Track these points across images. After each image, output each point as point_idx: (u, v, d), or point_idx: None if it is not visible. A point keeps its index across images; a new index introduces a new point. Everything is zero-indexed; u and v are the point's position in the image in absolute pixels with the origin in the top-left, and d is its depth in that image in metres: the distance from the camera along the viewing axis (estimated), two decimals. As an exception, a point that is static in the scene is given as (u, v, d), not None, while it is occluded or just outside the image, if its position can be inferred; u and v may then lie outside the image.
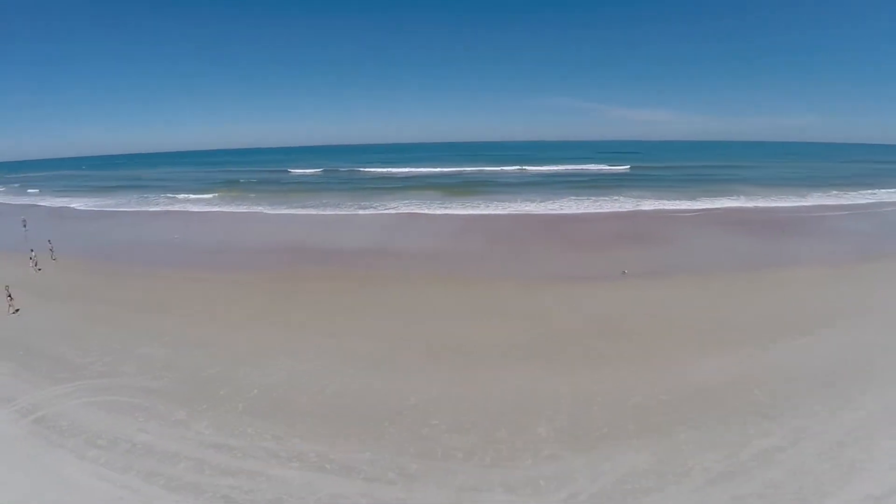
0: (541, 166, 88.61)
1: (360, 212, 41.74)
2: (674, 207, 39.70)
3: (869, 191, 51.68)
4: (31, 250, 24.90)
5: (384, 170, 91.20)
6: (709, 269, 22.49)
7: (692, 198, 45.23)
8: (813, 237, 28.99)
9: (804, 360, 12.99)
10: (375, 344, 14.61)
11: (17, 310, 18.02)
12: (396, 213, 40.22)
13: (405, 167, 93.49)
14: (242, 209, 45.87)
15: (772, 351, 13.71)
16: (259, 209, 45.11)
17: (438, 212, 40.04)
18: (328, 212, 42.52)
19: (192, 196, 56.51)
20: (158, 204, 51.95)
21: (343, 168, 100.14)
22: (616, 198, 46.22)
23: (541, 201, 44.46)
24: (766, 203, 42.00)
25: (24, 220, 38.18)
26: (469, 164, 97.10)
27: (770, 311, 16.68)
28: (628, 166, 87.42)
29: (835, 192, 50.30)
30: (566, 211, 39.69)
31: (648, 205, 41.74)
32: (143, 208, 48.91)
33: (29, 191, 73.47)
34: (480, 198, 47.75)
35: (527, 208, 40.95)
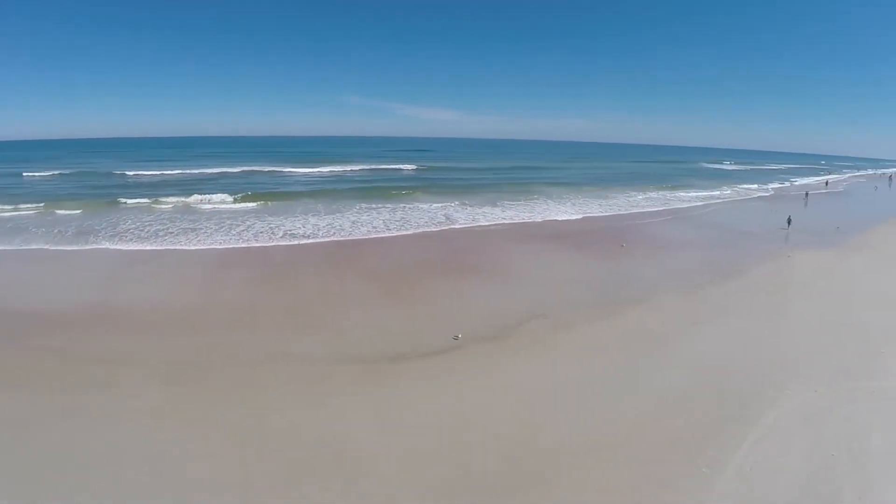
0: (332, 166, 78.18)
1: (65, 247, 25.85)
2: (489, 223, 34.50)
3: (685, 192, 58.84)
4: None
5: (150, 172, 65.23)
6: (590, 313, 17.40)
7: (496, 204, 42.02)
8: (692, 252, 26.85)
9: None
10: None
11: None
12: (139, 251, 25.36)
13: (176, 168, 70.29)
14: None
15: None
16: None
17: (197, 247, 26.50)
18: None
19: None
20: None
21: (93, 169, 70.14)
22: (414, 205, 40.36)
23: (325, 213, 35.91)
24: (581, 212, 40.21)
25: None
26: (258, 163, 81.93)
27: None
28: (415, 166, 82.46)
29: (653, 194, 55.09)
30: (359, 232, 30.61)
31: (458, 215, 36.54)
32: None
33: None
34: (273, 212, 36.62)
35: (306, 229, 30.71)
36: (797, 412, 11.30)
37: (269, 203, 41.75)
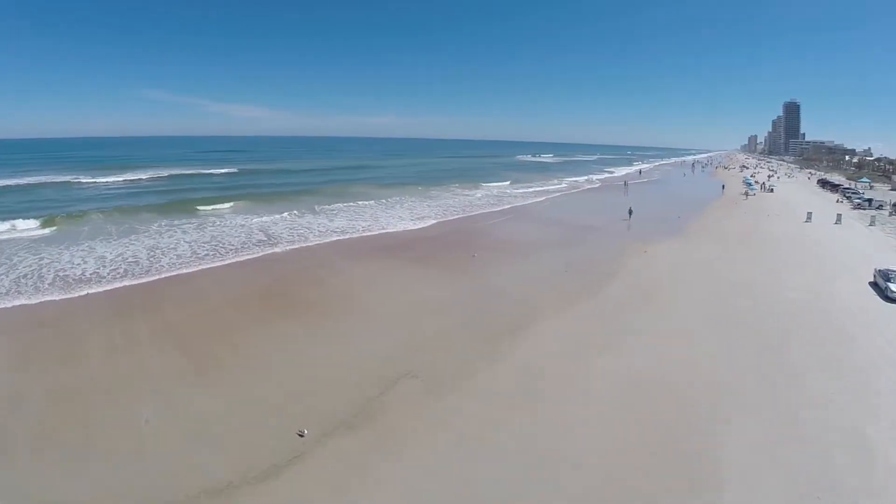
0: (131, 173, 64.08)
1: None
2: (318, 239, 30.33)
3: (521, 187, 62.16)
4: None
5: None
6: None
7: (321, 212, 38.98)
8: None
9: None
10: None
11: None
12: None
13: None
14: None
15: None
16: None
17: None
18: None
19: None
20: None
21: None
22: (227, 219, 35.41)
23: (117, 237, 28.85)
24: (416, 216, 39.30)
25: None
26: (42, 172, 66.33)
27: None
28: (224, 170, 72.68)
29: (483, 191, 54.21)
30: (159, 265, 24.30)
31: (280, 231, 31.72)
32: None
33: None
34: (55, 239, 25.86)
35: (87, 265, 23.81)
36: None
37: (56, 227, 32.75)
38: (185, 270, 23.60)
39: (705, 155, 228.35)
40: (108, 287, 21.17)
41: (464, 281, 21.99)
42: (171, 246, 28.03)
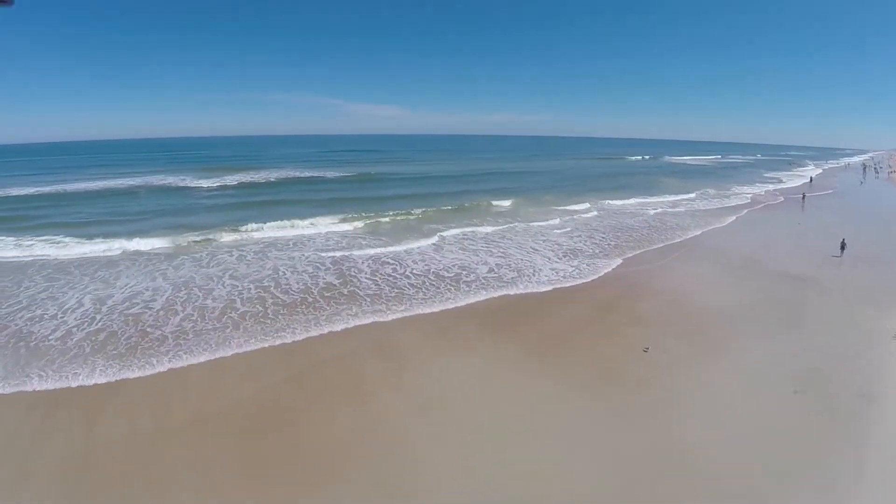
0: (248, 173, 62.08)
1: None
2: (426, 305, 20.16)
3: (680, 199, 44.20)
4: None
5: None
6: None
7: (436, 240, 27.79)
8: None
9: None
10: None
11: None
12: None
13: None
14: None
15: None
16: None
17: None
18: None
19: None
20: None
21: None
22: (301, 244, 24.58)
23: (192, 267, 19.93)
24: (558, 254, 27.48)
25: None
26: (164, 172, 65.88)
27: None
28: (341, 173, 65.89)
29: (641, 205, 40.45)
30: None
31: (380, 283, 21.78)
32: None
33: None
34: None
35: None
36: None
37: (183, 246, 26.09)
38: (196, 342, 14.85)
39: (866, 156, 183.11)
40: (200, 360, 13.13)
41: (625, 421, 11.24)
42: (196, 284, 19.90)
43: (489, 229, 31.57)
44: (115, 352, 15.23)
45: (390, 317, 17.65)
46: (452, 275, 22.42)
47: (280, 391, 13.02)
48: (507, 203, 40.19)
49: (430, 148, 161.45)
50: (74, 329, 16.69)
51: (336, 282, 21.27)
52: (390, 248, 26.42)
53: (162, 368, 14.28)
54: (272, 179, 57.33)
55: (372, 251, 25.89)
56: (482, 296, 19.75)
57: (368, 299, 19.20)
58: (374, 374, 13.88)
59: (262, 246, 26.91)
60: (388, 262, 24.17)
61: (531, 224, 33.29)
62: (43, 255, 24.78)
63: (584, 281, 22.00)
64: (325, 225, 30.32)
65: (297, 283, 21.11)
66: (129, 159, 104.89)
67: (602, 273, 23.10)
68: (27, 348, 15.55)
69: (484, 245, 27.86)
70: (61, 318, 17.52)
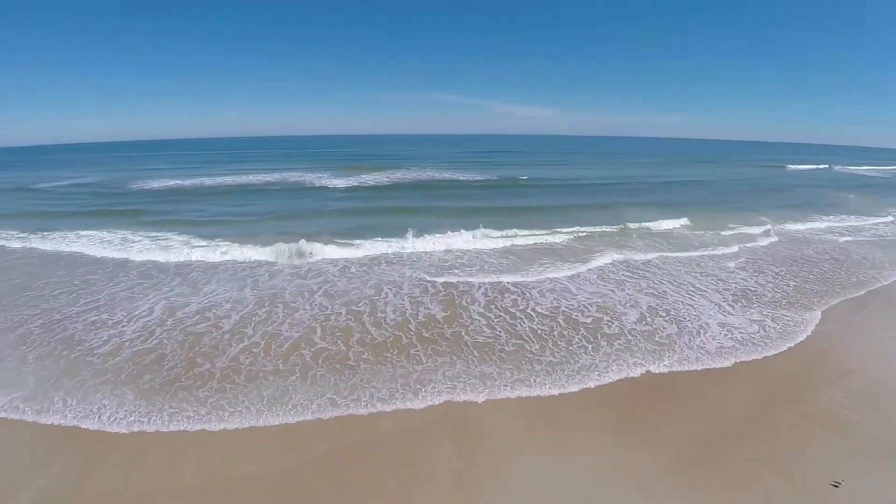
0: (385, 172, 60.77)
1: None
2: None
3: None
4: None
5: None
6: None
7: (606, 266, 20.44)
8: None
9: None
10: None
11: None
12: None
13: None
14: None
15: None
16: None
17: None
18: None
19: None
20: None
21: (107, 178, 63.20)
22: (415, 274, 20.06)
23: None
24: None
25: None
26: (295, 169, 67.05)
27: None
28: (495, 175, 58.63)
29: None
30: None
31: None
32: None
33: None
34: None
35: None
36: None
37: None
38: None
39: None
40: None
41: None
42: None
43: (642, 256, 24.02)
44: (148, 386, 11.86)
45: (492, 391, 11.90)
46: (589, 320, 15.98)
47: (312, 473, 8.25)
48: (663, 222, 31.65)
49: (571, 150, 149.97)
50: (125, 344, 13.90)
51: (441, 315, 16.19)
52: (518, 274, 20.68)
53: (187, 426, 10.29)
54: (407, 180, 54.86)
55: (494, 276, 20.36)
56: (623, 367, 13.04)
57: (475, 353, 13.66)
58: (446, 464, 8.43)
59: (372, 257, 22.97)
60: (511, 293, 18.46)
61: (693, 252, 25.00)
62: (146, 251, 23.44)
63: (767, 353, 14.05)
64: (449, 239, 25.55)
65: (396, 311, 16.43)
66: (278, 155, 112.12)
67: (794, 338, 14.89)
68: (67, 361, 13.05)
69: (633, 277, 20.71)
70: (121, 326, 15.02)
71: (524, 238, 26.48)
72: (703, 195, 46.46)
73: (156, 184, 51.79)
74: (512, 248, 24.85)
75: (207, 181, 53.74)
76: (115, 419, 10.74)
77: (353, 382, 12.06)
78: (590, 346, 14.14)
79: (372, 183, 52.27)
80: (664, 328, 15.56)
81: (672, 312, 16.85)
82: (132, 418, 10.80)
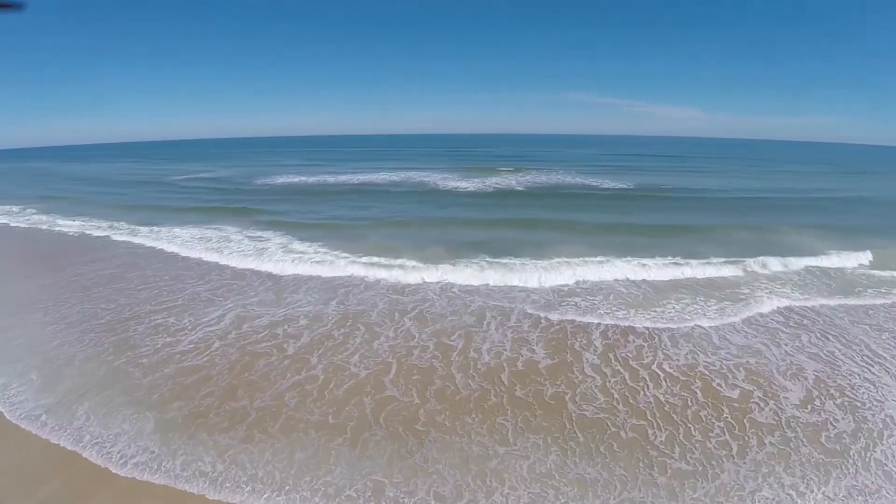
0: (511, 176, 53.11)
1: None
2: None
3: None
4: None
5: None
6: None
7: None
8: None
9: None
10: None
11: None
12: None
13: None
14: None
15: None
16: None
17: None
18: None
19: None
20: None
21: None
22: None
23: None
24: None
25: None
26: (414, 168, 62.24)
27: None
28: (631, 184, 47.71)
29: None
30: None
31: None
32: None
33: None
34: None
35: None
36: None
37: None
38: None
39: None
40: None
41: None
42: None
43: (806, 301, 17.07)
44: (172, 415, 9.85)
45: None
46: (736, 393, 10.85)
47: None
48: (836, 255, 23.01)
49: (716, 154, 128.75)
50: (175, 356, 12.18)
51: (545, 363, 12.18)
52: (647, 313, 15.69)
53: (192, 485, 7.75)
54: (537, 185, 49.95)
55: (619, 313, 15.59)
56: (775, 492, 7.78)
57: (579, 436, 9.43)
58: None
59: (481, 276, 19.36)
60: (637, 337, 13.67)
61: (874, 301, 17.22)
62: (243, 253, 22.40)
63: None
64: (575, 267, 20.99)
65: (492, 351, 12.75)
66: (410, 153, 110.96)
67: None
68: (109, 369, 11.77)
69: (794, 329, 14.41)
70: (182, 334, 13.51)
71: (659, 267, 20.90)
72: (887, 219, 34.81)
73: (280, 180, 53.58)
74: (644, 278, 19.58)
75: (331, 179, 54.09)
76: (123, 456, 8.70)
77: (414, 462, 8.63)
78: (735, 446, 9.14)
79: (500, 186, 48.40)
80: (835, 420, 9.87)
81: (847, 392, 10.94)
82: (140, 458, 8.70)
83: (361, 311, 15.58)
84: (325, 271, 20.14)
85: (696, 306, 16.42)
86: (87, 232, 27.68)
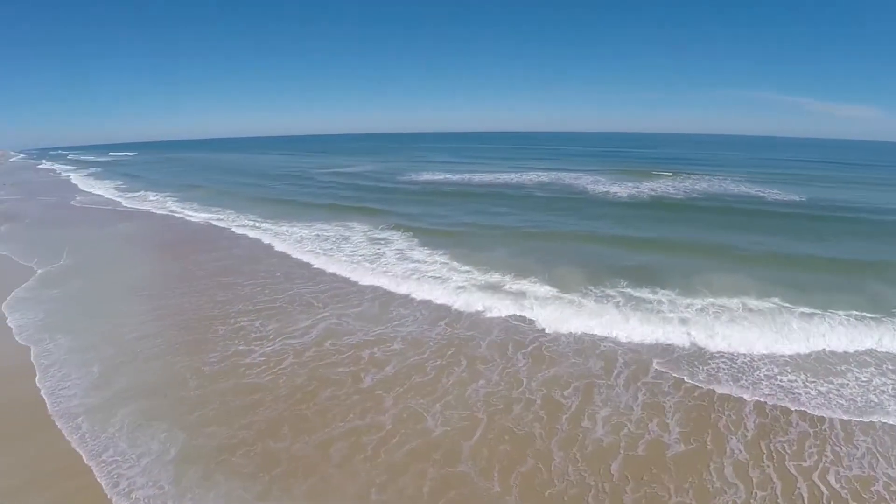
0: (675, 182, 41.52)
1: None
2: None
3: None
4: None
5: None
6: None
7: None
8: None
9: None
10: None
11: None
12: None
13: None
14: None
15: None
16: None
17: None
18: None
19: None
20: None
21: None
22: None
23: None
24: None
25: None
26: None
27: None
28: (803, 196, 37.79)
29: None
30: None
31: None
32: None
33: None
34: None
35: None
36: None
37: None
38: None
39: None
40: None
41: None
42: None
43: None
44: (201, 443, 8.62)
45: None
46: None
47: None
48: None
49: None
50: (240, 369, 10.79)
51: (674, 451, 8.37)
52: (818, 393, 10.29)
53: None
54: (697, 193, 41.23)
55: (784, 383, 10.55)
56: None
57: None
58: None
59: (618, 312, 15.38)
60: (802, 422, 8.80)
61: None
62: (357, 258, 20.93)
63: None
64: (733, 308, 15.70)
65: (609, 422, 9.27)
66: (563, 153, 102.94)
67: None
68: (167, 373, 10.90)
69: None
70: (257, 343, 12.18)
71: (838, 328, 14.40)
72: None
73: (424, 176, 51.99)
74: (820, 350, 13.49)
75: (476, 178, 51.06)
76: (131, 484, 7.39)
77: None
78: None
79: (657, 192, 41.15)
80: None
81: None
82: (146, 490, 7.37)
83: (469, 339, 12.90)
84: (439, 287, 17.89)
85: (880, 395, 10.65)
86: (214, 223, 28.17)
